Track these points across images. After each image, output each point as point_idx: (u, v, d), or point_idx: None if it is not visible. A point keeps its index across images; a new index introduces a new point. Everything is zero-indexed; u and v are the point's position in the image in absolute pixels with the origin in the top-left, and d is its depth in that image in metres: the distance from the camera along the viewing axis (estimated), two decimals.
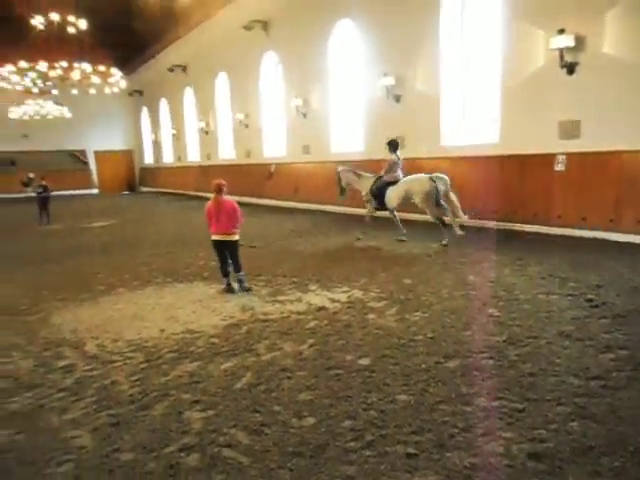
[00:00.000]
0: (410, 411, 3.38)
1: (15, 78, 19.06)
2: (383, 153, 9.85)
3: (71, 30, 15.98)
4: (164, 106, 28.50)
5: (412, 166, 10.14)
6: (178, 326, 5.37)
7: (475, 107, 11.28)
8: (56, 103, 24.54)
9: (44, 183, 15.58)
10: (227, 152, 21.64)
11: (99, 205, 15.81)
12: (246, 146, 19.81)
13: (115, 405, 3.68)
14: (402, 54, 12.20)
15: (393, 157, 9.31)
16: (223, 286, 6.72)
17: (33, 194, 15.97)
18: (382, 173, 9.49)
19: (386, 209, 9.58)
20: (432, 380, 3.79)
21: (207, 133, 22.98)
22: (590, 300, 5.44)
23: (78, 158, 30.79)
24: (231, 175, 20.98)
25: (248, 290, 6.58)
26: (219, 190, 6.47)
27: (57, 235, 13.08)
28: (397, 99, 12.45)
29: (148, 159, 32.59)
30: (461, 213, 8.79)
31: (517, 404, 3.37)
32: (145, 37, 23.60)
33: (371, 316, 5.41)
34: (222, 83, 21.44)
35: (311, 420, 3.34)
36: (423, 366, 4.04)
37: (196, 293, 6.69)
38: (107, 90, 21.05)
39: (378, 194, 9.45)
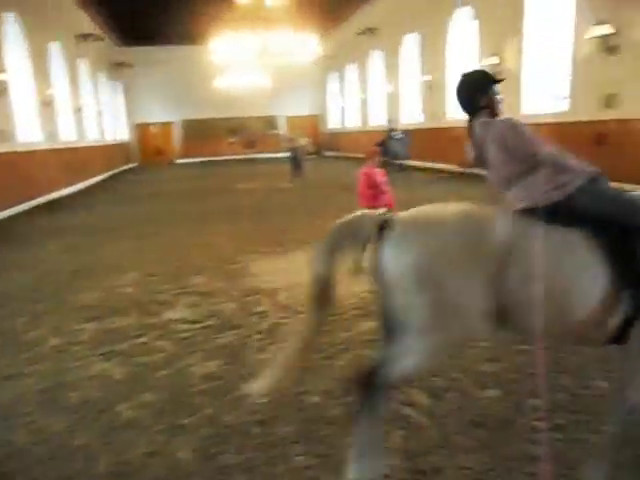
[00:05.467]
0: (607, 399, 3.06)
1: (222, 50, 21.00)
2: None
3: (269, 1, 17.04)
4: (352, 71, 29.07)
5: (626, 129, 8.76)
6: (361, 285, 5.56)
7: None
8: (257, 72, 26.61)
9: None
10: (412, 115, 21.37)
11: (287, 168, 17.16)
12: (433, 108, 19.30)
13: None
14: None
15: None
16: None
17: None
18: None
19: None
20: None
21: (393, 96, 22.91)
22: None
23: (270, 123, 33.30)
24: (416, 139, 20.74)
25: None
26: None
27: (252, 194, 14.38)
28: (613, 51, 10.87)
29: (333, 124, 33.73)
30: None
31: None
32: (339, 2, 24.01)
33: None
34: (410, 45, 21.04)
35: (494, 392, 3.24)
36: None
37: None
38: (303, 57, 22.05)
39: None
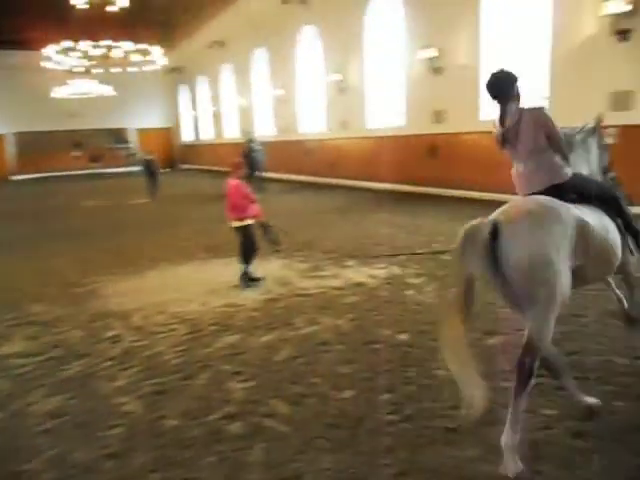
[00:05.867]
0: (449, 386, 3.37)
1: (58, 58, 19.43)
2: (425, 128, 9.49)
3: (112, 8, 16.14)
4: (203, 83, 28.66)
5: (453, 141, 9.82)
6: (219, 300, 5.50)
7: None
8: (100, 82, 25.02)
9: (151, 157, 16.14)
10: (265, 128, 21.64)
11: (139, 183, 16.35)
12: (285, 122, 19.75)
13: (160, 374, 3.82)
14: (444, 25, 11.80)
15: None
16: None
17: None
18: None
19: None
20: None
21: (245, 109, 23.02)
22: None
23: (120, 137, 31.51)
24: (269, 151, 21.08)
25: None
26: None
27: (101, 212, 13.48)
28: (438, 72, 12.09)
29: (187, 136, 32.92)
30: None
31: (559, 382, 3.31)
32: (184, 14, 23.58)
33: (409, 292, 5.39)
34: (260, 59, 21.35)
35: (350, 393, 3.39)
36: None
37: (235, 268, 6.80)
38: (147, 68, 21.25)
39: None
